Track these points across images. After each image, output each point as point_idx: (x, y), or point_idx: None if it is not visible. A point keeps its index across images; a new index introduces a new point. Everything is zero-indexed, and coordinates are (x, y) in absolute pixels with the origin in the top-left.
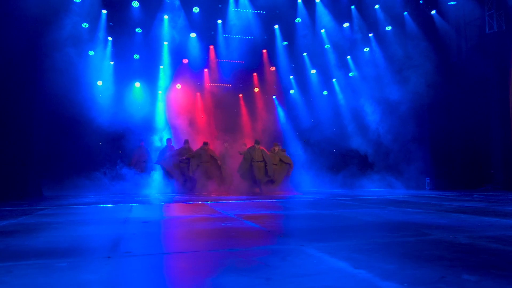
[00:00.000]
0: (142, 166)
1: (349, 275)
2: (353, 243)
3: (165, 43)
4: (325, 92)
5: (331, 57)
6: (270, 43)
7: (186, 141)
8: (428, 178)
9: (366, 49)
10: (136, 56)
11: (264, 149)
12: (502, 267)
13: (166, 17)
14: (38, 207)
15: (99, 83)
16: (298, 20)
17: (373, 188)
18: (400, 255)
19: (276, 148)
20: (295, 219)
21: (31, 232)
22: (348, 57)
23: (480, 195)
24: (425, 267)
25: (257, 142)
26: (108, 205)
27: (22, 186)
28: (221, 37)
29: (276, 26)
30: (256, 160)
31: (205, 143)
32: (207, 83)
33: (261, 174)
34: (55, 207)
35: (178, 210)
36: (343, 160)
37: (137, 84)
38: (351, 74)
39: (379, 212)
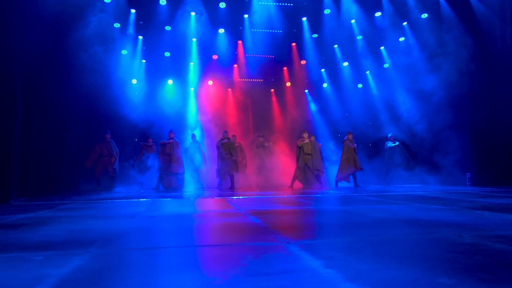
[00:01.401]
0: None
1: (314, 275)
2: (344, 241)
3: (194, 39)
4: (360, 85)
5: (364, 48)
6: (299, 36)
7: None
8: (469, 173)
9: (402, 39)
10: (167, 54)
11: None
12: (491, 270)
13: (193, 13)
14: (65, 202)
15: (134, 81)
16: (327, 11)
17: (410, 183)
18: (386, 254)
19: (313, 138)
20: (302, 215)
21: (38, 225)
22: (382, 47)
23: None
24: (403, 268)
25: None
26: (132, 200)
27: (58, 181)
28: (249, 31)
29: (304, 19)
30: (307, 153)
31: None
32: (238, 79)
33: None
34: (81, 202)
35: (187, 205)
36: (380, 155)
37: (170, 82)
38: (385, 65)
39: (398, 208)
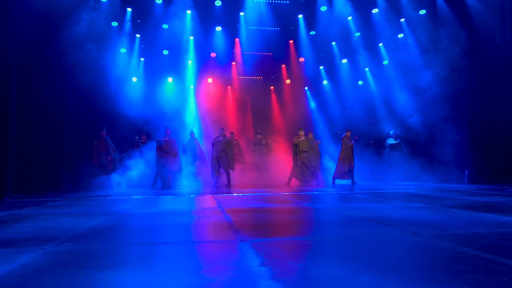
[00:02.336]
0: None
1: (246, 272)
2: (296, 239)
3: (191, 37)
4: (360, 82)
5: (362, 45)
6: (296, 33)
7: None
8: (467, 171)
9: (400, 35)
10: (165, 52)
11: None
12: (416, 268)
13: (188, 12)
14: (58, 199)
15: (134, 79)
16: (323, 8)
17: (409, 181)
18: (329, 252)
19: (311, 135)
20: (277, 213)
21: (13, 222)
22: (380, 44)
23: None
24: (335, 266)
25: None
26: (123, 197)
27: (57, 178)
28: (245, 29)
29: (300, 16)
30: (302, 150)
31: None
32: (238, 76)
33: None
34: (73, 199)
35: (174, 203)
36: (382, 153)
37: (170, 79)
38: (385, 62)
39: (378, 206)
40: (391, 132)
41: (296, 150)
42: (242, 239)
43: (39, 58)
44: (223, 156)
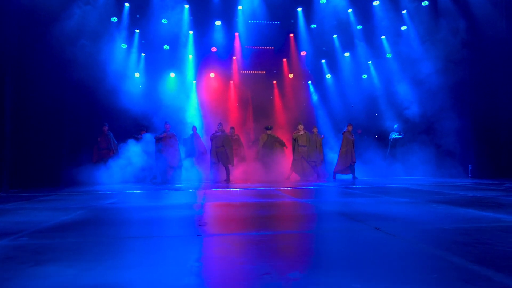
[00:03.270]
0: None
1: (179, 265)
2: (255, 234)
3: (191, 32)
4: (365, 76)
5: (363, 38)
6: (296, 27)
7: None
8: (471, 165)
9: (404, 28)
10: (166, 47)
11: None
12: (353, 264)
13: (186, 6)
14: (50, 193)
15: (137, 74)
16: (322, 1)
17: (413, 175)
18: (268, 248)
19: (315, 129)
20: (254, 208)
21: None
22: (383, 37)
23: None
24: (270, 260)
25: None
26: (114, 192)
27: (56, 174)
28: (245, 23)
29: (299, 9)
30: (301, 144)
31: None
32: (240, 71)
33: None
34: (65, 194)
35: (159, 198)
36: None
37: (172, 74)
38: (388, 55)
39: (361, 201)
40: (395, 126)
41: (295, 144)
42: (199, 234)
43: (34, 53)
44: (221, 151)
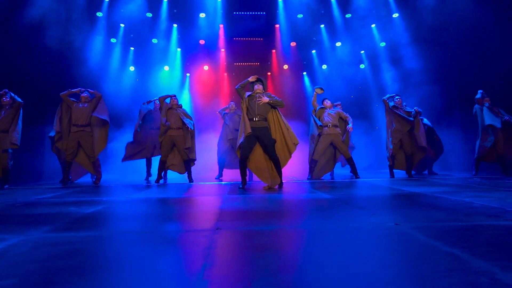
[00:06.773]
0: None
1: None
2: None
3: (175, 25)
4: (362, 66)
5: (353, 27)
6: (283, 16)
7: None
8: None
9: (395, 15)
10: (155, 41)
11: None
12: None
13: None
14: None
15: (132, 68)
16: None
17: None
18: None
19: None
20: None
21: None
22: (373, 25)
23: None
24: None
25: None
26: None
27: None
28: (230, 15)
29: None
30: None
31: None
32: (234, 63)
33: None
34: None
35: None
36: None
37: (166, 68)
38: (382, 44)
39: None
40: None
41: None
42: (219, 227)
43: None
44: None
